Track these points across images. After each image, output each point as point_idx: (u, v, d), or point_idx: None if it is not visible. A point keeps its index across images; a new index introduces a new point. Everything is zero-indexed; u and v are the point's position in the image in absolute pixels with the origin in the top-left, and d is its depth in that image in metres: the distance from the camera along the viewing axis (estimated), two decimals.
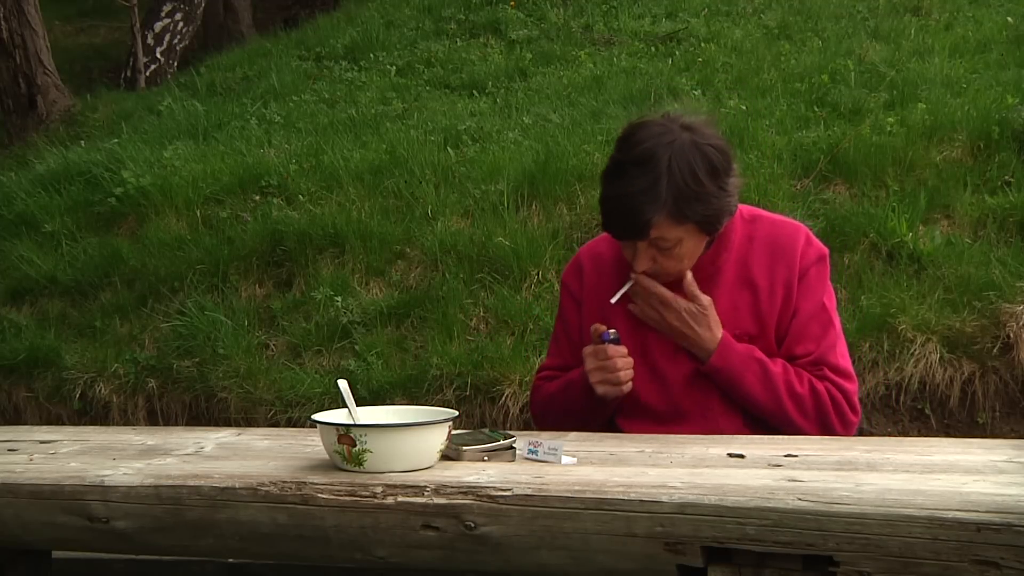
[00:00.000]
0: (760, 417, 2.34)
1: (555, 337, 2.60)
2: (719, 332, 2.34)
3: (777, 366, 2.34)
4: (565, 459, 1.97)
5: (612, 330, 2.37)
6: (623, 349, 2.36)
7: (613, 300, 2.38)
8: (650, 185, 2.24)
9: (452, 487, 1.80)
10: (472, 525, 1.76)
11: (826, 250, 2.44)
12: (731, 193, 2.32)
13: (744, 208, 2.43)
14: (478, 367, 4.66)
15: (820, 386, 2.33)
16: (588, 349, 2.38)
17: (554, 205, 5.51)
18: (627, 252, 2.37)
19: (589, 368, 2.36)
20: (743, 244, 2.41)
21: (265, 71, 8.11)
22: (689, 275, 2.35)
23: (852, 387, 2.37)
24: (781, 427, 2.32)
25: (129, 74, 9.33)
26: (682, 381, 2.39)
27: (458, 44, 8.06)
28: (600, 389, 2.36)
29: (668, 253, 2.32)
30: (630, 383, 2.37)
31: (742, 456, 1.96)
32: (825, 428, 2.32)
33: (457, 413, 2.03)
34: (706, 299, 2.34)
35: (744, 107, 6.11)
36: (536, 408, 2.62)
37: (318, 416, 1.98)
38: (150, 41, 9.50)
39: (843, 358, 2.39)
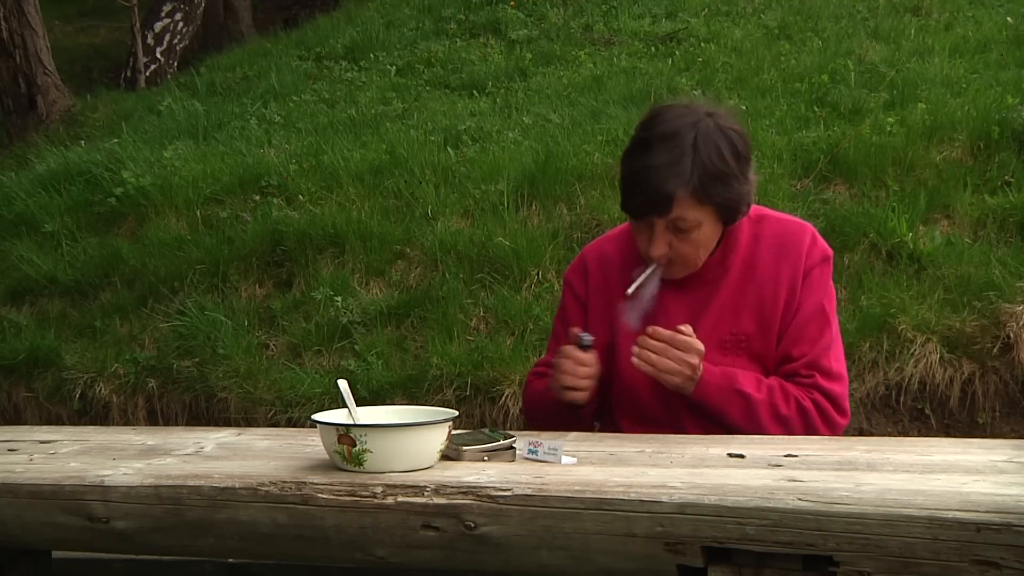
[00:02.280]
0: None
1: (555, 335, 2.59)
2: (697, 375, 2.32)
3: (761, 391, 2.32)
4: (565, 459, 1.97)
5: (588, 335, 2.34)
6: (589, 357, 2.33)
7: (629, 291, 2.35)
8: (675, 159, 2.23)
9: (452, 487, 1.80)
10: (472, 525, 1.76)
11: (831, 251, 2.44)
12: (750, 182, 2.32)
13: (752, 208, 2.43)
14: (478, 367, 4.66)
15: (807, 402, 2.32)
16: (561, 349, 2.37)
17: (554, 205, 5.51)
18: (642, 240, 2.34)
19: (556, 367, 2.35)
20: (750, 244, 2.40)
21: (265, 71, 8.12)
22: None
23: (841, 389, 2.38)
24: None
25: (129, 74, 9.33)
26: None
27: (458, 44, 8.06)
28: (557, 391, 2.35)
29: (685, 237, 2.29)
30: (586, 393, 2.35)
31: (742, 456, 1.96)
32: (812, 436, 2.33)
33: (457, 413, 2.02)
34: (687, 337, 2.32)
35: (744, 107, 6.10)
36: (525, 403, 2.62)
37: (318, 416, 1.98)
38: (150, 41, 9.50)
39: (836, 361, 2.39)
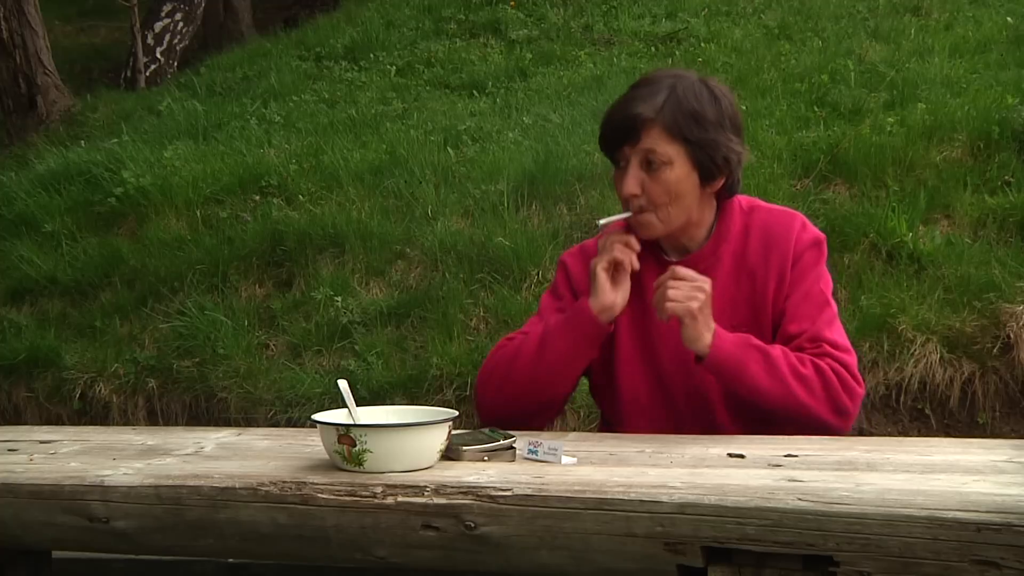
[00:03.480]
0: (769, 410, 2.25)
1: (540, 311, 2.51)
2: (712, 325, 2.26)
3: (776, 350, 2.27)
4: (565, 459, 1.97)
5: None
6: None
7: (601, 222, 2.34)
8: (649, 95, 2.27)
9: (452, 487, 1.79)
10: (472, 525, 1.76)
11: (823, 236, 2.39)
12: (732, 140, 2.28)
13: (743, 199, 2.41)
14: (478, 367, 4.63)
15: (823, 363, 2.26)
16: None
17: (554, 205, 5.51)
18: (619, 183, 2.32)
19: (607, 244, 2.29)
20: (741, 234, 2.38)
21: (265, 71, 8.12)
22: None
23: (852, 360, 2.31)
24: (791, 416, 2.24)
25: (129, 74, 9.33)
26: (685, 393, 2.37)
27: (458, 44, 8.07)
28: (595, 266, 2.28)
29: (657, 176, 2.26)
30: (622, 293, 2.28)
31: (742, 456, 1.96)
32: (834, 404, 2.25)
33: (457, 413, 2.02)
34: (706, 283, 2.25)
35: (744, 107, 6.11)
36: (488, 364, 2.49)
37: (318, 416, 1.98)
38: (150, 41, 9.50)
39: (840, 335, 2.34)
